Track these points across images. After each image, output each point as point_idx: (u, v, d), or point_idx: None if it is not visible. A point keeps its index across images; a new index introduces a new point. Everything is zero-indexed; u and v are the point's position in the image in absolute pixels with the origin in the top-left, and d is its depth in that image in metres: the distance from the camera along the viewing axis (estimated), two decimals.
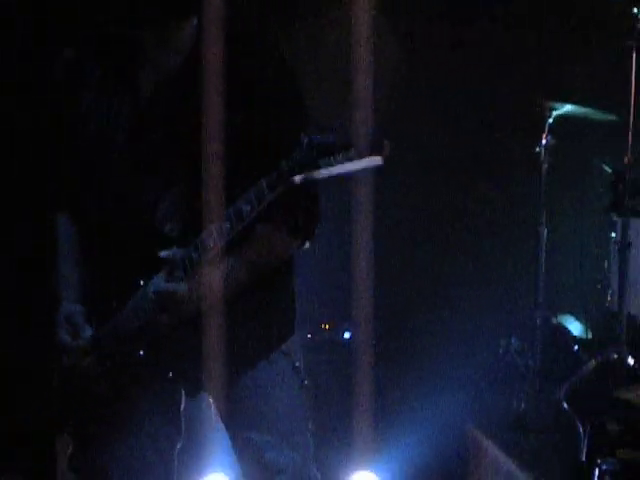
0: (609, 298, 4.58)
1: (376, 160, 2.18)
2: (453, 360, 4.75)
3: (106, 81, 2.48)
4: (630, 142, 4.42)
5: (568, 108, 4.65)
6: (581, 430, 3.92)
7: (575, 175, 4.89)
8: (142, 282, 2.41)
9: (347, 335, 5.07)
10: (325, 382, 4.61)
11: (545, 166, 4.65)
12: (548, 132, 4.65)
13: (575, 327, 5.10)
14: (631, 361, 4.38)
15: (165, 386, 2.49)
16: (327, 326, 5.13)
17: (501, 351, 4.80)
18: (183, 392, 2.54)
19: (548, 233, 4.66)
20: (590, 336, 5.03)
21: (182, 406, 2.55)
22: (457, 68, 5.24)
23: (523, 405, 4.37)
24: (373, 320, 5.20)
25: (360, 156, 2.17)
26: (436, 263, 5.28)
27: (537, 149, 4.66)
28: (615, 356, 4.39)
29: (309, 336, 4.98)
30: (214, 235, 2.30)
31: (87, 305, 2.51)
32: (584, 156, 4.82)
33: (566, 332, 4.95)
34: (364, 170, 2.21)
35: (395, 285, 5.17)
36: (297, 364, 2.56)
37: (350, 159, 2.17)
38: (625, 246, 4.44)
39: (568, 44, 5.08)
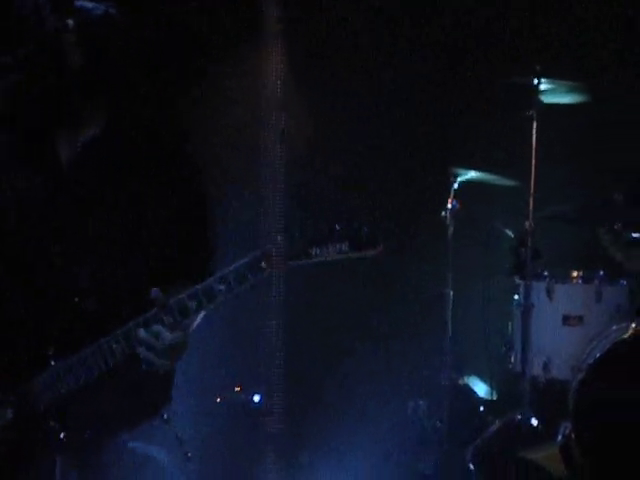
0: (512, 360, 4.67)
1: (369, 254, 2.27)
2: (361, 422, 4.77)
3: (20, 150, 2.49)
4: (531, 207, 4.56)
5: (472, 174, 4.79)
6: None
7: (479, 239, 5.01)
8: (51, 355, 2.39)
9: (257, 398, 5.06)
10: (234, 445, 4.59)
11: (450, 230, 4.77)
12: (453, 197, 4.78)
13: (480, 388, 5.18)
14: (535, 422, 4.46)
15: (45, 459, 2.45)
16: (239, 389, 5.11)
17: (409, 413, 4.84)
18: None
19: (454, 296, 4.75)
20: (495, 397, 5.11)
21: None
22: (364, 134, 5.34)
23: (430, 467, 4.41)
24: (283, 382, 5.20)
25: (353, 250, 2.25)
26: (344, 325, 5.32)
27: (443, 213, 4.78)
28: (519, 417, 4.48)
29: (218, 400, 4.96)
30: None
31: None
32: (487, 220, 4.95)
33: (472, 393, 5.02)
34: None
35: (305, 348, 5.19)
36: (179, 434, 2.55)
37: (343, 252, 2.24)
38: (528, 308, 4.55)
39: (472, 113, 5.23)
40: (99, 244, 2.44)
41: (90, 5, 2.45)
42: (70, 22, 2.42)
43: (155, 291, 2.33)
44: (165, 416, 2.55)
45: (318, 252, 2.28)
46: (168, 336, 2.31)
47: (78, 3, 2.44)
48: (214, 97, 5.14)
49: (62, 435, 2.40)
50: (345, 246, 2.28)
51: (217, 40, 5.13)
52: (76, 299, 2.42)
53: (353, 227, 2.30)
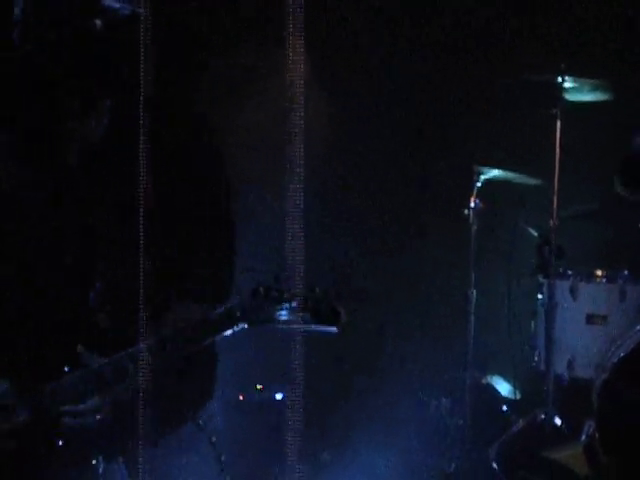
0: (536, 358, 4.66)
1: (331, 328, 2.21)
2: (384, 421, 4.77)
3: (26, 153, 2.45)
4: (555, 206, 4.54)
5: (496, 172, 4.77)
6: None
7: (503, 238, 4.99)
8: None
9: (279, 396, 5.06)
10: (255, 443, 4.59)
11: (474, 228, 4.75)
12: (476, 195, 4.76)
13: (503, 387, 5.17)
14: (558, 421, 4.45)
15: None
16: (261, 387, 5.11)
17: (431, 411, 4.83)
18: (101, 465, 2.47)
19: (477, 295, 4.74)
20: (518, 396, 5.09)
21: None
22: (386, 133, 5.33)
23: (453, 465, 4.40)
24: (305, 381, 5.20)
25: (315, 322, 2.21)
26: (367, 325, 5.31)
27: (466, 212, 4.77)
28: (543, 416, 4.46)
29: (240, 397, 4.96)
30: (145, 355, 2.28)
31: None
32: (511, 219, 4.93)
33: (495, 392, 5.01)
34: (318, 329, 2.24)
35: (327, 347, 5.20)
36: (214, 439, 2.52)
37: (305, 322, 2.21)
38: (552, 307, 4.54)
39: (496, 111, 5.21)
40: (110, 254, 2.40)
41: (117, 5, 2.42)
42: (98, 22, 2.39)
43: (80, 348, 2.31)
44: (201, 422, 2.53)
45: (281, 316, 2.22)
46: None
47: (105, 3, 2.42)
48: (231, 96, 5.14)
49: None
50: (307, 317, 2.22)
51: (234, 38, 5.13)
52: (88, 314, 2.41)
53: (317, 298, 2.23)
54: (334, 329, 2.23)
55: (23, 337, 2.42)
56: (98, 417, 2.30)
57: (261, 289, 2.24)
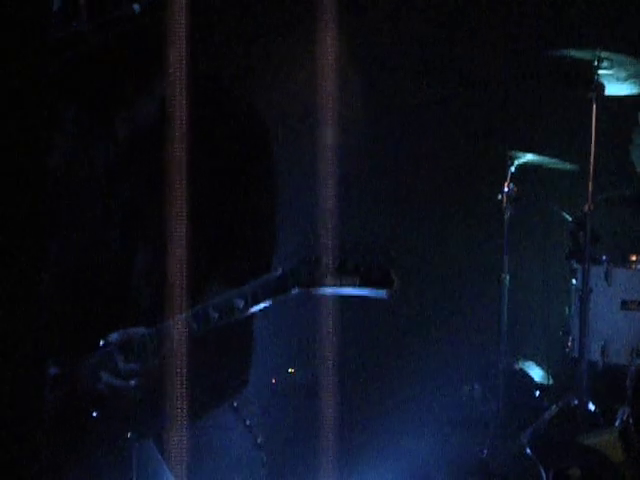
0: (570, 344, 4.64)
1: (382, 293, 2.18)
2: (417, 406, 4.77)
3: (81, 125, 2.47)
4: (590, 191, 4.51)
5: (530, 157, 4.74)
6: (544, 476, 3.96)
7: (537, 223, 4.97)
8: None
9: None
10: (290, 426, 4.61)
11: (507, 214, 4.73)
12: (510, 180, 4.74)
13: (536, 373, 5.15)
14: (592, 407, 4.43)
15: (116, 444, 2.42)
16: (292, 370, 5.13)
17: (464, 397, 4.83)
18: (134, 449, 2.46)
19: (510, 280, 4.72)
20: (551, 382, 5.08)
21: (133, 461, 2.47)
22: (421, 117, 5.31)
23: (486, 451, 4.39)
24: (338, 365, 5.20)
25: (366, 286, 2.17)
26: (399, 310, 5.31)
27: (499, 197, 4.74)
28: (576, 402, 4.44)
29: (273, 381, 4.98)
30: (181, 328, 2.25)
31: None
32: (545, 204, 4.90)
33: (528, 378, 4.99)
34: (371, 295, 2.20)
35: (360, 331, 5.20)
36: (248, 422, 2.51)
37: (355, 286, 2.18)
38: (586, 293, 4.51)
39: (530, 95, 5.18)
40: (156, 232, 2.35)
41: None
42: (135, 7, 2.39)
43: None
44: (235, 404, 2.51)
45: (329, 282, 2.18)
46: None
47: None
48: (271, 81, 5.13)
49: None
50: (357, 281, 2.16)
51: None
52: (130, 292, 2.39)
53: (365, 261, 2.17)
54: (384, 293, 2.19)
55: (69, 313, 2.44)
56: (133, 382, 2.29)
57: (312, 257, 2.22)
